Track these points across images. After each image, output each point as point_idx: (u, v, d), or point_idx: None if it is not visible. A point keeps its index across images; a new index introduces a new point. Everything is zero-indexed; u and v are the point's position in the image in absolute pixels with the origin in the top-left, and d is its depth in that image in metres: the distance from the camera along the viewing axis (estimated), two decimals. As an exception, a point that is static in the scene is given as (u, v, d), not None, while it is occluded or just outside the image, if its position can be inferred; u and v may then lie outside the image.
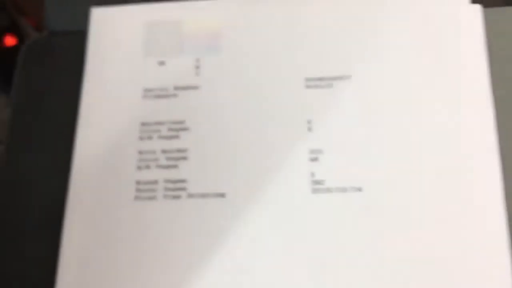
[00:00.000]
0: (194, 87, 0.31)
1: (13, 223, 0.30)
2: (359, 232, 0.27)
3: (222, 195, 0.29)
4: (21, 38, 0.63)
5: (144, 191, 0.30)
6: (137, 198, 0.29)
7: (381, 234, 0.27)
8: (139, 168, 0.30)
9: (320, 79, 0.30)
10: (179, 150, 0.30)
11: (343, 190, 0.28)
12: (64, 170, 0.31)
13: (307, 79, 0.30)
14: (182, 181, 0.29)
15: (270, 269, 0.27)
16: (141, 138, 0.31)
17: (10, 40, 0.64)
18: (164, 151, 0.30)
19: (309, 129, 0.29)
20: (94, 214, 0.29)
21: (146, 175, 0.30)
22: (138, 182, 0.30)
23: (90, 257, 0.29)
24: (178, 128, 0.31)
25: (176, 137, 0.30)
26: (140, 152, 0.30)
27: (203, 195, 0.29)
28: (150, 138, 0.31)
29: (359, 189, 0.28)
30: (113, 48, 0.33)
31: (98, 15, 0.33)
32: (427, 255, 0.27)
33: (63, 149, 0.31)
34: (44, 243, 0.30)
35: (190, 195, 0.29)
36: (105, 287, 0.28)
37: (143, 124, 0.31)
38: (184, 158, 0.30)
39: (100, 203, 0.30)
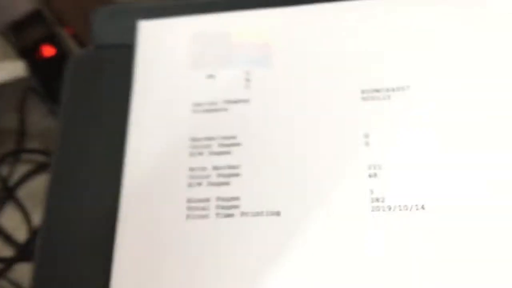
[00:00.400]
0: (245, 101, 0.30)
1: (63, 238, 0.30)
2: (421, 254, 0.26)
3: (277, 213, 0.28)
4: (59, 48, 0.63)
5: (196, 209, 0.29)
6: (188, 216, 0.29)
7: (445, 256, 0.26)
8: (190, 185, 0.29)
9: (377, 90, 0.29)
10: (231, 167, 0.29)
11: (405, 208, 0.27)
12: (115, 185, 0.30)
13: (363, 91, 0.29)
14: (235, 198, 0.29)
15: None
16: (191, 154, 0.30)
17: (48, 51, 0.64)
18: (215, 168, 0.29)
19: (367, 144, 0.28)
20: (146, 233, 0.29)
21: (198, 192, 0.29)
22: (189, 200, 0.29)
23: (142, 277, 0.28)
24: (229, 143, 0.30)
25: (228, 153, 0.30)
26: (191, 169, 0.30)
27: (257, 214, 0.28)
28: (200, 154, 0.30)
29: (422, 207, 0.27)
30: (161, 61, 0.32)
31: (146, 28, 0.33)
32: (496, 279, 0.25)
33: (113, 164, 0.31)
34: (94, 258, 0.29)
35: (244, 214, 0.28)
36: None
37: (193, 139, 0.30)
38: (237, 175, 0.29)
39: (151, 221, 0.29)
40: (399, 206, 0.27)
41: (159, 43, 0.32)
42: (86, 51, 0.34)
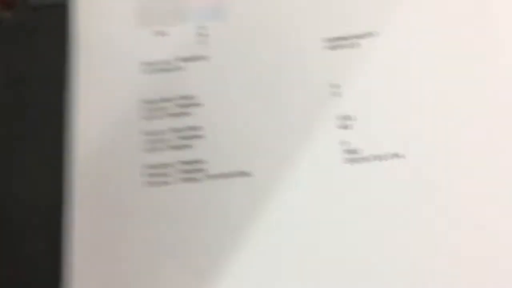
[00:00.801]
0: (201, 58, 0.28)
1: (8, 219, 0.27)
2: (401, 203, 0.25)
3: (246, 173, 0.26)
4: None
5: (156, 175, 0.26)
6: (148, 183, 0.26)
7: (425, 205, 0.25)
8: (147, 150, 0.27)
9: (344, 38, 0.27)
10: (192, 128, 0.27)
11: (379, 158, 0.26)
12: (57, 163, 0.27)
13: (329, 39, 0.27)
14: (199, 161, 0.26)
15: (303, 251, 0.25)
16: (146, 118, 0.27)
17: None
18: (174, 130, 0.27)
19: (334, 94, 0.27)
20: (102, 208, 0.26)
21: (157, 158, 0.27)
22: (148, 166, 0.26)
23: (100, 253, 0.25)
24: (187, 103, 0.27)
25: (187, 114, 0.27)
26: (147, 133, 0.27)
27: (225, 175, 0.26)
28: (156, 117, 0.27)
29: (397, 156, 0.26)
30: (102, 19, 0.29)
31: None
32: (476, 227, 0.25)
33: (54, 138, 0.28)
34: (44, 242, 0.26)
35: (210, 177, 0.26)
36: (119, 281, 0.25)
37: (146, 102, 0.28)
38: (199, 137, 0.27)
39: (107, 195, 0.26)
40: (373, 156, 0.26)
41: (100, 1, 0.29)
42: (16, 13, 0.31)
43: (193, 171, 0.26)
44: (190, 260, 0.25)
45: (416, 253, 0.24)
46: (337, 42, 0.27)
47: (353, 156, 0.26)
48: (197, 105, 0.27)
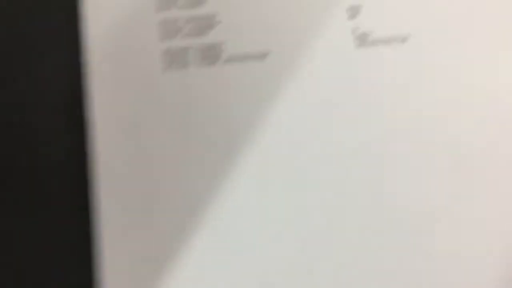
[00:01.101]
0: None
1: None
2: (406, 86, 0.27)
3: (264, 55, 0.27)
4: None
5: (175, 60, 0.27)
6: (168, 68, 0.26)
7: (428, 88, 0.27)
8: (162, 39, 0.27)
9: None
10: (208, 16, 0.28)
11: (390, 40, 0.27)
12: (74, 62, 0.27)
13: None
14: (218, 44, 0.27)
15: (315, 131, 0.26)
16: (158, 10, 0.28)
17: None
18: (191, 18, 0.27)
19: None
20: (121, 95, 0.26)
21: (175, 43, 0.27)
22: (166, 52, 0.27)
23: (123, 140, 0.25)
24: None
25: (201, 3, 0.28)
26: (162, 22, 0.27)
27: (243, 57, 0.27)
28: (170, 7, 0.28)
29: (406, 39, 0.27)
30: None
31: None
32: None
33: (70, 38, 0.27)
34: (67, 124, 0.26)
35: (228, 59, 0.27)
36: (143, 169, 0.25)
37: (158, -5, 0.28)
38: (216, 22, 0.27)
39: (125, 81, 0.26)
40: (384, 39, 0.27)
41: None
42: None
43: (211, 54, 0.27)
44: (210, 140, 0.25)
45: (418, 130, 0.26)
46: None
47: (363, 40, 0.27)
48: (210, -4, 0.28)
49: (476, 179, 0.25)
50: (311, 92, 0.26)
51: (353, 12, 0.28)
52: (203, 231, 0.24)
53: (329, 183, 0.25)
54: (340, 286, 0.23)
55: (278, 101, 0.26)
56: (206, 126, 0.26)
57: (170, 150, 0.25)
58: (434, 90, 0.27)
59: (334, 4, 0.28)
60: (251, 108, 0.26)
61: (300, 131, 0.26)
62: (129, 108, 0.26)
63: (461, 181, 0.25)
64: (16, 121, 0.26)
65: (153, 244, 0.24)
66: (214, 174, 0.25)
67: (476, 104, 0.27)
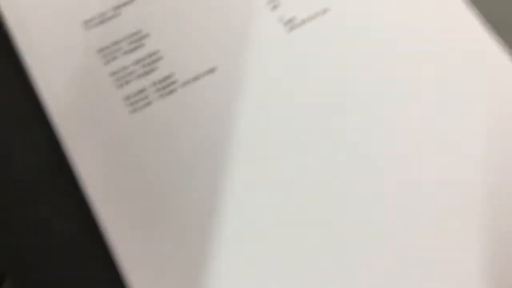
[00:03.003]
0: (130, 1, 0.31)
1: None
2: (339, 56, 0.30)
3: (212, 70, 0.29)
4: None
5: (136, 102, 0.29)
6: (132, 111, 0.29)
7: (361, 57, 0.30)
8: (120, 86, 0.29)
9: None
10: (151, 54, 0.30)
11: (314, 16, 0.30)
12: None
13: None
14: (169, 76, 0.29)
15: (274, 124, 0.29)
16: (105, 63, 0.30)
17: None
18: (136, 62, 0.30)
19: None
20: (100, 148, 0.28)
21: (131, 88, 0.29)
22: (126, 98, 0.29)
23: (112, 184, 0.27)
24: (138, 38, 0.30)
25: (141, 46, 0.30)
26: (113, 74, 0.30)
27: (196, 77, 0.29)
28: (114, 58, 0.30)
29: (327, 10, 0.30)
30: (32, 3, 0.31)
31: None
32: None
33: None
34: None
35: (184, 83, 0.29)
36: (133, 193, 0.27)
37: (99, 50, 0.30)
38: (160, 58, 0.30)
39: (100, 136, 0.28)
40: (308, 17, 0.30)
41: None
42: None
43: (166, 86, 0.29)
44: (189, 159, 0.28)
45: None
46: None
47: (293, 24, 0.30)
48: (146, 36, 0.30)
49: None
50: (264, 90, 0.29)
51: (274, 3, 0.31)
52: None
53: (296, 183, 0.27)
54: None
55: (237, 106, 0.29)
56: (181, 150, 0.28)
57: (155, 178, 0.27)
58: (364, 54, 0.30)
59: (254, 2, 0.31)
60: (217, 119, 0.29)
61: (266, 128, 0.28)
62: (108, 156, 0.28)
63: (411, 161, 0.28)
64: None
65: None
66: (197, 192, 0.27)
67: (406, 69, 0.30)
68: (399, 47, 0.30)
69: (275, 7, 0.31)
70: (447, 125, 0.28)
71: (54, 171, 0.28)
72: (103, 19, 0.31)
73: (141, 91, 0.29)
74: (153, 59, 0.30)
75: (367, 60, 0.29)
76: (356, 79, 0.29)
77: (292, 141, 0.28)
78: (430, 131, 0.28)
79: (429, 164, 0.27)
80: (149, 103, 0.29)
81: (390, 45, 0.30)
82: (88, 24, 0.31)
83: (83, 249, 0.27)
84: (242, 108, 0.29)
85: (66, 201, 0.28)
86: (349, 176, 0.27)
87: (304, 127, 0.28)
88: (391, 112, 0.28)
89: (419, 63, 0.29)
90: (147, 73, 0.30)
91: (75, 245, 0.27)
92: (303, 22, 0.30)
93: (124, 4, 0.31)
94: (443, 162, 0.27)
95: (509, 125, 0.28)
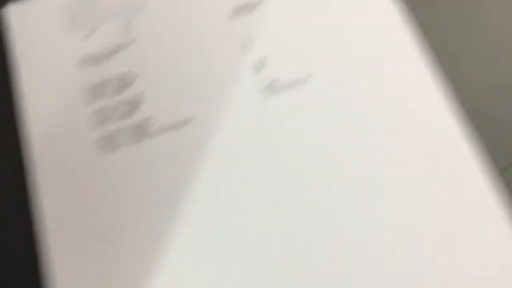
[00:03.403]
0: (127, 44, 0.32)
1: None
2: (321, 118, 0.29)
3: (186, 121, 0.30)
4: None
5: (106, 145, 0.30)
6: (100, 153, 0.30)
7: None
8: (94, 128, 0.30)
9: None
10: (134, 96, 0.31)
11: (296, 82, 0.30)
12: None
13: (232, 10, 0.32)
14: (145, 121, 0.30)
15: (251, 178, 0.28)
16: (86, 104, 0.31)
17: None
18: (120, 103, 0.31)
19: (244, 48, 0.31)
20: (65, 187, 0.29)
21: (105, 129, 0.30)
22: (99, 138, 0.30)
23: (70, 222, 0.28)
24: (125, 82, 0.31)
25: (127, 86, 0.31)
26: (92, 114, 0.31)
27: (168, 127, 0.30)
28: (99, 97, 0.31)
29: (310, 77, 0.30)
30: (38, 37, 0.33)
31: (15, 11, 0.34)
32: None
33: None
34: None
35: (155, 132, 0.30)
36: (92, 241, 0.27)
37: (87, 90, 0.31)
38: (142, 101, 0.31)
39: (67, 174, 0.29)
40: (290, 81, 0.30)
41: (32, 20, 0.34)
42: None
43: (138, 132, 0.30)
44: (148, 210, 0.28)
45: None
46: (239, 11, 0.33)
47: (269, 89, 0.30)
48: (135, 77, 0.31)
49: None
50: (233, 150, 0.29)
51: (258, 67, 0.31)
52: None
53: (257, 233, 0.27)
54: None
55: (201, 163, 0.29)
56: (140, 198, 0.28)
57: (111, 223, 0.28)
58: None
59: (240, 62, 0.31)
60: (180, 172, 0.29)
61: (229, 187, 0.28)
62: (72, 193, 0.29)
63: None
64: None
65: None
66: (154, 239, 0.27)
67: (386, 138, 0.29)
68: (381, 129, 0.29)
69: (259, 69, 0.31)
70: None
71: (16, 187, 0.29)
72: (96, 61, 0.32)
73: (115, 133, 0.30)
74: (134, 103, 0.31)
75: (341, 136, 0.29)
76: (324, 155, 0.28)
77: (249, 208, 0.28)
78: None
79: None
80: (117, 147, 0.30)
81: (371, 124, 0.29)
82: (83, 62, 0.32)
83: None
84: (205, 166, 0.29)
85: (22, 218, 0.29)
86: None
87: (264, 196, 0.28)
88: (364, 194, 0.28)
89: (399, 142, 0.28)
90: (125, 115, 0.30)
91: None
92: (284, 86, 0.30)
93: (118, 47, 0.32)
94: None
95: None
